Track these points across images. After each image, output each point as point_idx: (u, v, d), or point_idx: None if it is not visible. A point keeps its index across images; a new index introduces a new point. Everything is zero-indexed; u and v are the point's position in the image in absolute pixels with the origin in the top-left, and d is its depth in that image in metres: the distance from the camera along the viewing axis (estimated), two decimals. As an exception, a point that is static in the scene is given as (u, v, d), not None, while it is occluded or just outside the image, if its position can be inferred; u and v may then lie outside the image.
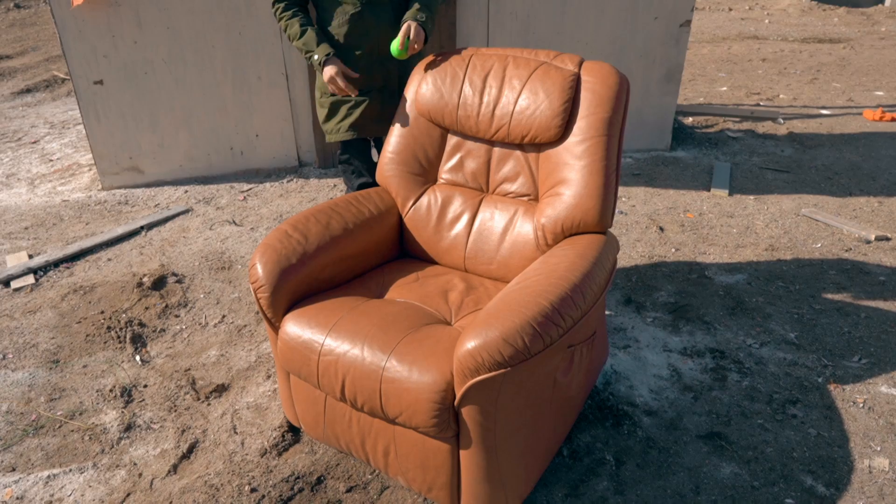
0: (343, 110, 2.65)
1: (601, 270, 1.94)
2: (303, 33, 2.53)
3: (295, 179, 4.40)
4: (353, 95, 2.56)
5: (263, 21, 4.10)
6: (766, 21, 10.02)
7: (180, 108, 4.24)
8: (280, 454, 2.21)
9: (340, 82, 2.47)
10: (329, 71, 2.49)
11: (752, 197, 4.05)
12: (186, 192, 4.28)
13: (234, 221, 3.87)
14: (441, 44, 4.22)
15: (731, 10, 10.97)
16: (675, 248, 3.46)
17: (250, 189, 4.30)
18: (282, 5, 2.60)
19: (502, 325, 1.64)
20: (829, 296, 3.03)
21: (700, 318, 2.88)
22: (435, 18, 2.52)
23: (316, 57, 2.50)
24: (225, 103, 4.28)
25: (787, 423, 2.31)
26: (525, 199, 2.26)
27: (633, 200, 4.03)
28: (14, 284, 3.29)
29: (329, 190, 4.22)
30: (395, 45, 2.38)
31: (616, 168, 2.13)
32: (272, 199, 4.14)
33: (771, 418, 2.33)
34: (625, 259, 3.36)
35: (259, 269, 2.00)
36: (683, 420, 2.32)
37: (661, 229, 3.67)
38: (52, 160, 4.98)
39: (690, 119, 5.49)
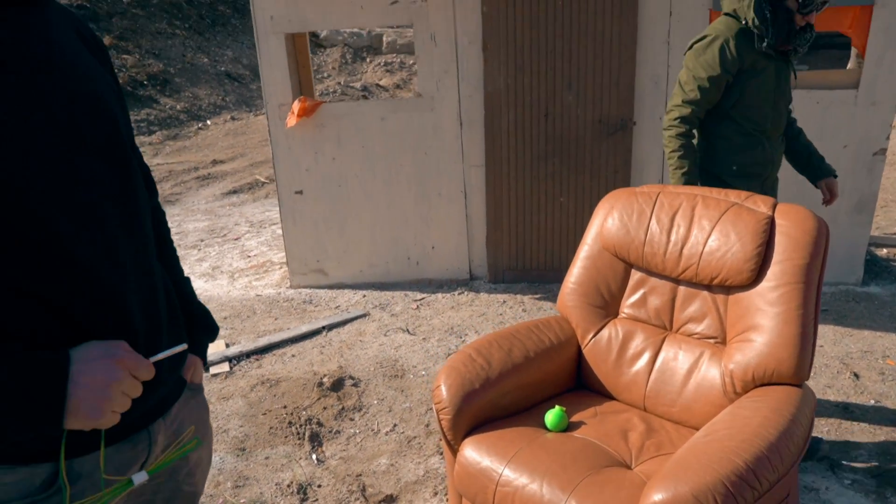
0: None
1: (799, 428, 1.81)
2: (685, 166, 2.73)
3: (465, 292, 4.56)
4: None
5: (447, 142, 4.42)
6: (971, 144, 9.17)
7: (367, 218, 4.62)
8: (443, 577, 2.21)
9: None
10: None
11: (965, 345, 3.62)
12: (364, 296, 4.57)
13: (407, 330, 4.06)
14: (616, 168, 4.30)
15: (927, 131, 10.17)
16: (875, 400, 3.14)
17: (423, 298, 4.51)
18: (681, 129, 2.73)
19: (692, 481, 1.58)
20: None
21: (907, 484, 2.56)
22: None
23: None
24: (406, 216, 4.60)
25: None
26: (711, 341, 2.19)
27: (821, 340, 3.74)
28: (213, 370, 3.64)
29: (499, 305, 4.33)
30: (556, 419, 2.11)
31: (814, 318, 2.03)
32: (443, 311, 4.31)
33: None
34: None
35: (443, 390, 2.08)
36: None
37: (857, 376, 3.35)
38: (249, 256, 5.56)
39: (885, 251, 5.07)
